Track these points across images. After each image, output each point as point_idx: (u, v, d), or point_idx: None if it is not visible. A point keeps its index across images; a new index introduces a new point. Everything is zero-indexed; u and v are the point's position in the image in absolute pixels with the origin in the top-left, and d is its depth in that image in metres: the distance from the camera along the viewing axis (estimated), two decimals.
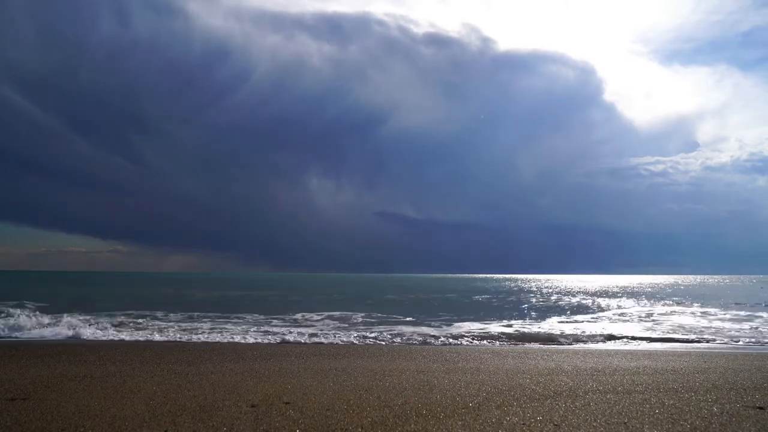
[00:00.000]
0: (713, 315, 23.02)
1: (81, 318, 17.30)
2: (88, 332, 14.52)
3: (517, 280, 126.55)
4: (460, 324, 18.14)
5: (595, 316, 23.46)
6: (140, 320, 18.26)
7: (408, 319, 20.41)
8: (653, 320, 20.84)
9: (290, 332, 14.74)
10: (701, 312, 24.91)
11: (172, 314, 20.84)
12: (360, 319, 20.16)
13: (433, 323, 18.59)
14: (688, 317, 21.99)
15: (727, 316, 22.12)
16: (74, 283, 73.76)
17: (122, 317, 18.99)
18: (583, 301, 35.72)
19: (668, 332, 16.07)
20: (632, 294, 47.66)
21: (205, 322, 18.08)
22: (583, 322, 20.31)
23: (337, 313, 22.57)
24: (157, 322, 17.79)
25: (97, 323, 16.30)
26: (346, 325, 17.77)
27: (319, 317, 20.84)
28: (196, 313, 21.29)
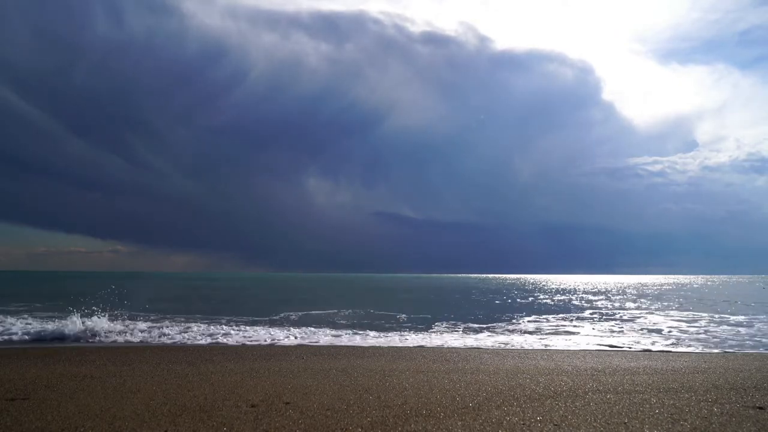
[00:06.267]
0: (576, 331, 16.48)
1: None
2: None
3: (493, 280, 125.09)
4: None
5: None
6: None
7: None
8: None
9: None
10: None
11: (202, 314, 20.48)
12: None
13: None
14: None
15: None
16: (88, 283, 71.57)
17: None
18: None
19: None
20: (582, 293, 42.85)
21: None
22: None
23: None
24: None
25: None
26: None
27: None
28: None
